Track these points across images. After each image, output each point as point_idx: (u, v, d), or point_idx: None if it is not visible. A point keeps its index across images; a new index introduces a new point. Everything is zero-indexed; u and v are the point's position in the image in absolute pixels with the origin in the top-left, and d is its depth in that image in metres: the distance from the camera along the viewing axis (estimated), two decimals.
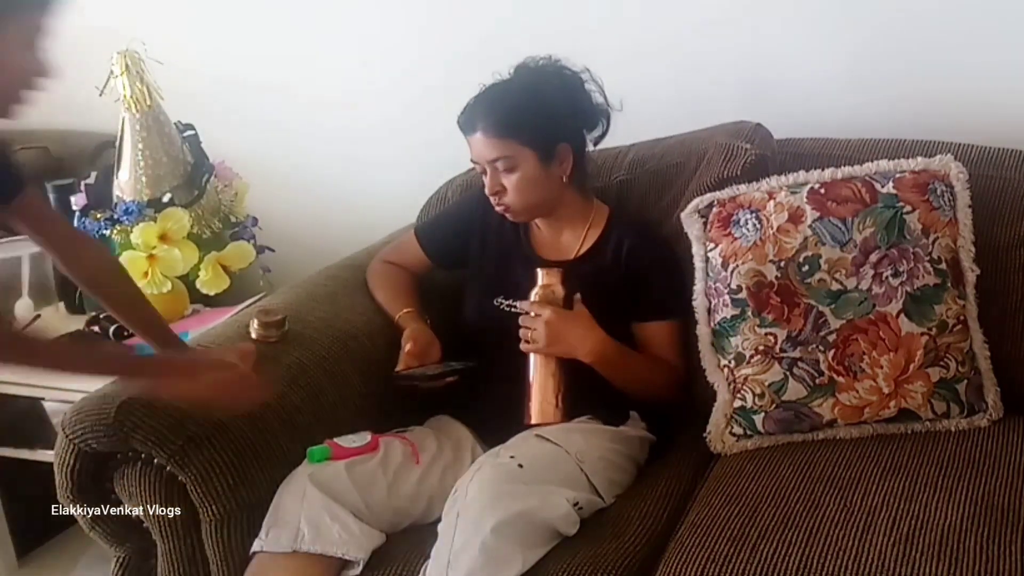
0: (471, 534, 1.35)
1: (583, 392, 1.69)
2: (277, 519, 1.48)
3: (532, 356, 1.68)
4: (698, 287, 1.71)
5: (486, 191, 1.73)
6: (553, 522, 1.43)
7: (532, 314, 1.66)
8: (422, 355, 1.75)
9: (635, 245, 1.75)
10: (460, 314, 1.86)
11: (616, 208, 1.85)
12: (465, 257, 1.89)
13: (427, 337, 1.79)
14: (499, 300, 1.77)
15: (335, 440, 1.58)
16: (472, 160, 1.73)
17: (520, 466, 1.46)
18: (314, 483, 1.49)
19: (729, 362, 1.67)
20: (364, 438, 1.60)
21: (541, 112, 1.69)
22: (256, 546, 1.48)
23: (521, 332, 1.67)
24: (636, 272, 1.75)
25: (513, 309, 1.75)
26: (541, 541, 1.42)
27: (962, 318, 1.62)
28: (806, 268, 1.61)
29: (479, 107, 1.70)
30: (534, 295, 1.69)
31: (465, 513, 1.37)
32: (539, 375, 1.67)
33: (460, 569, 1.34)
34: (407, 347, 1.75)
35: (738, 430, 1.67)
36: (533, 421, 1.65)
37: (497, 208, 1.74)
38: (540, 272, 1.70)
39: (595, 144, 1.81)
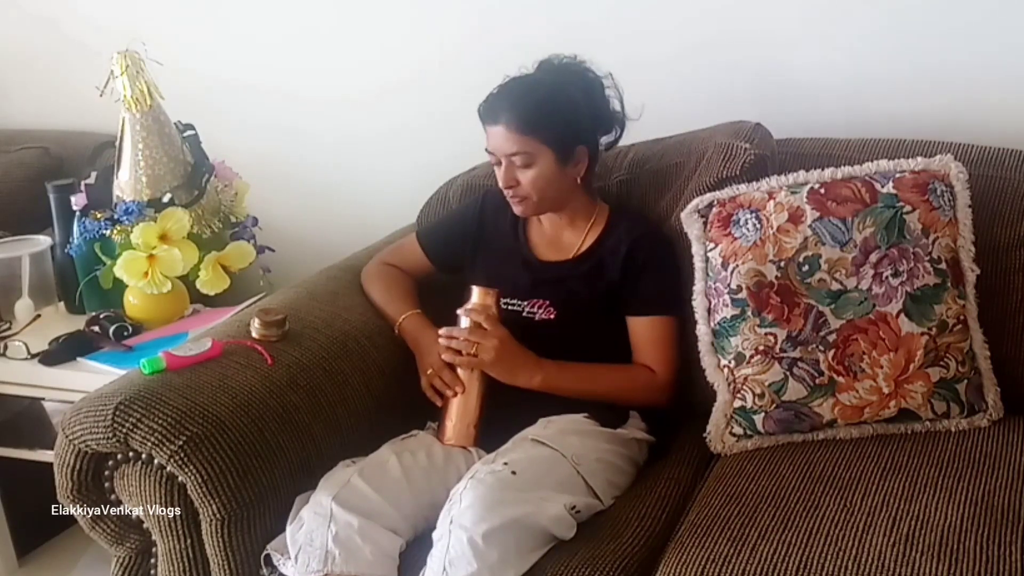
0: (465, 542, 1.35)
1: None
2: (303, 543, 1.45)
3: (460, 373, 1.68)
4: (698, 287, 1.71)
5: (500, 183, 1.72)
6: (547, 527, 1.43)
7: (481, 329, 1.66)
8: (443, 365, 1.73)
9: (635, 242, 1.75)
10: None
11: (616, 207, 1.85)
12: (465, 260, 1.89)
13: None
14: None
15: (169, 350, 1.60)
16: (488, 150, 1.72)
17: (513, 473, 1.45)
18: (340, 503, 1.47)
19: (729, 362, 1.67)
20: (204, 344, 1.61)
21: (564, 113, 1.70)
22: (289, 571, 1.47)
23: (460, 345, 1.66)
24: (632, 267, 1.74)
25: (511, 307, 1.75)
26: (536, 546, 1.42)
27: (962, 318, 1.62)
28: (806, 268, 1.61)
29: (504, 99, 1.70)
30: (468, 312, 1.68)
31: (459, 521, 1.37)
32: (464, 396, 1.68)
33: None
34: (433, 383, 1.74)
35: (738, 430, 1.67)
36: (446, 442, 1.66)
37: (511, 200, 1.74)
38: (476, 290, 1.70)
39: (606, 149, 1.83)
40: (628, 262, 1.74)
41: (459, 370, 1.69)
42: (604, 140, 1.81)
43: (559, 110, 1.69)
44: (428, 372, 1.73)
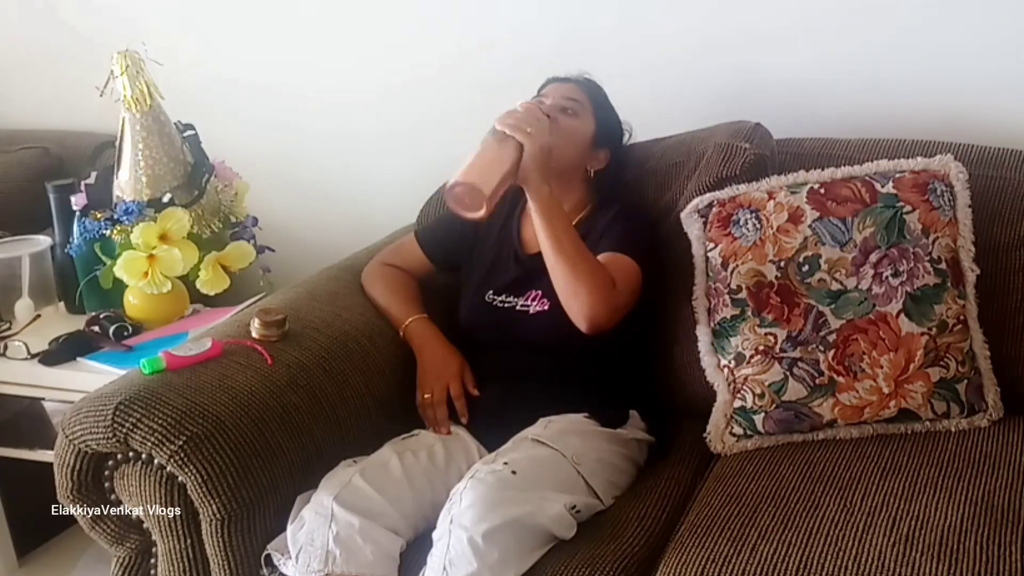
0: (465, 542, 1.35)
1: (582, 391, 1.69)
2: (304, 543, 1.45)
3: (501, 137, 1.57)
4: (698, 287, 1.71)
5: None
6: (547, 526, 1.43)
7: (542, 118, 1.62)
8: (442, 399, 1.73)
9: (617, 212, 1.77)
10: (456, 314, 1.86)
11: (607, 195, 1.85)
12: (463, 259, 1.90)
13: (449, 368, 1.75)
14: (490, 295, 1.78)
15: (169, 350, 1.60)
16: (539, 94, 1.84)
17: (514, 472, 1.45)
18: (341, 503, 1.47)
19: (729, 362, 1.67)
20: (204, 344, 1.61)
21: (615, 117, 1.88)
22: (290, 571, 1.47)
23: (515, 118, 1.58)
24: (607, 227, 1.75)
25: (506, 304, 1.76)
26: (536, 545, 1.41)
27: (962, 318, 1.62)
28: (806, 268, 1.62)
29: (584, 78, 1.87)
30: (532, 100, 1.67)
31: (459, 521, 1.37)
32: (500, 154, 1.55)
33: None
34: (425, 396, 1.73)
35: (738, 430, 1.67)
36: (463, 179, 1.51)
37: None
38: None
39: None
40: (605, 227, 1.75)
41: (504, 135, 1.57)
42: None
43: (612, 110, 1.88)
44: (426, 396, 1.73)
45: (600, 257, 1.68)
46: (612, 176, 1.86)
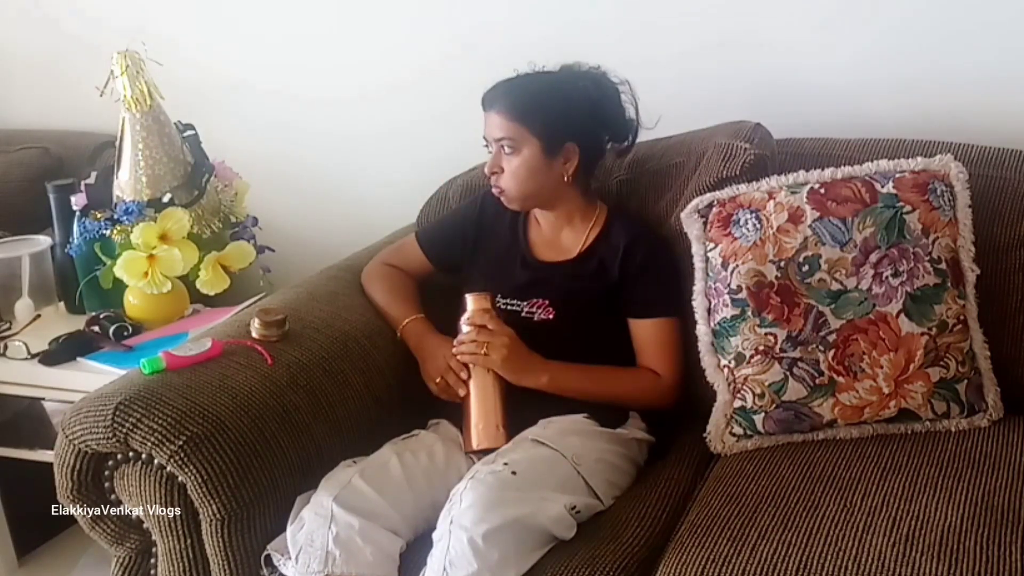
0: (465, 542, 1.35)
1: None
2: (304, 544, 1.45)
3: (473, 380, 1.67)
4: (698, 287, 1.71)
5: (486, 169, 1.76)
6: (547, 527, 1.43)
7: (487, 331, 1.67)
8: (448, 368, 1.73)
9: (632, 242, 1.75)
10: (456, 314, 1.86)
11: (614, 206, 1.85)
12: (464, 260, 1.89)
13: (443, 348, 1.75)
14: (497, 299, 1.77)
15: (169, 350, 1.60)
16: (484, 136, 1.76)
17: (514, 473, 1.45)
18: (341, 504, 1.47)
19: (729, 362, 1.67)
20: (204, 344, 1.61)
21: (557, 107, 1.73)
22: (290, 571, 1.47)
23: (470, 348, 1.67)
24: (631, 268, 1.74)
25: (510, 307, 1.76)
26: (536, 546, 1.41)
27: (962, 318, 1.62)
28: (806, 268, 1.61)
29: (503, 87, 1.74)
30: (470, 319, 1.70)
31: (459, 521, 1.37)
32: (481, 398, 1.66)
33: None
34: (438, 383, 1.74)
35: (738, 430, 1.67)
36: (477, 447, 1.63)
37: (493, 190, 1.77)
38: (470, 298, 1.71)
39: (619, 155, 1.86)
40: (626, 263, 1.74)
41: (473, 375, 1.68)
42: (615, 147, 1.83)
43: (552, 103, 1.72)
44: (437, 380, 1.73)
45: (640, 328, 1.74)
46: (594, 159, 1.81)
